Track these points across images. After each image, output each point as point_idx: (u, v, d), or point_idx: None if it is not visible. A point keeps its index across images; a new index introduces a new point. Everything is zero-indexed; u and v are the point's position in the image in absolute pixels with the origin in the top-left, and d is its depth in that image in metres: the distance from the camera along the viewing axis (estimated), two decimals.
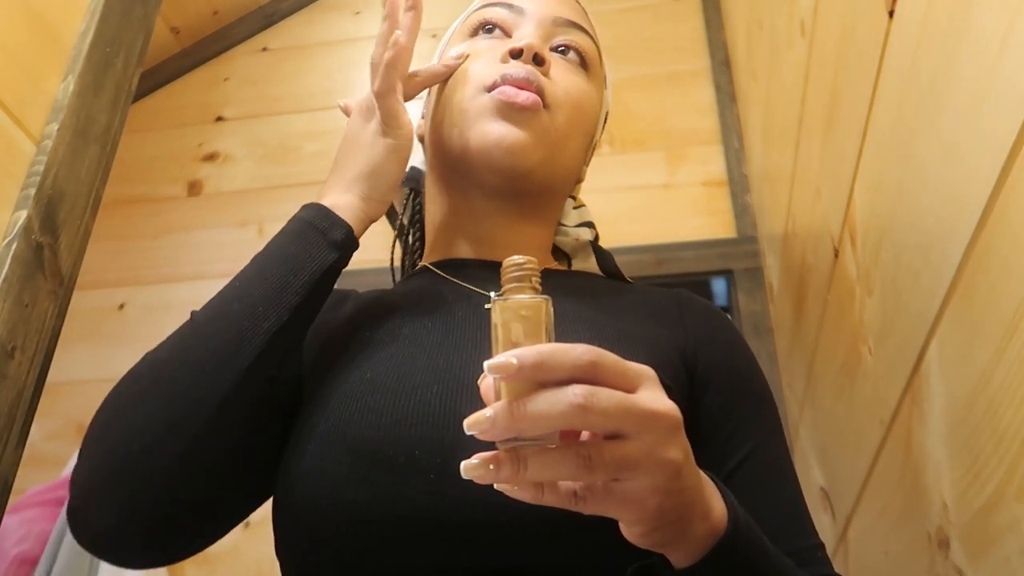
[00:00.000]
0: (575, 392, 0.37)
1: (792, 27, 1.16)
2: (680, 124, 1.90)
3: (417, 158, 0.85)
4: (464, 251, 0.73)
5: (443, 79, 0.73)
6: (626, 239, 1.70)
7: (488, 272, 0.69)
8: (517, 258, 0.42)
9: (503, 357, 0.37)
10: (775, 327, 1.58)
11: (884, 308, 0.80)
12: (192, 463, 0.55)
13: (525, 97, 0.66)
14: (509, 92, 0.66)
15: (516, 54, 0.69)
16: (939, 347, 0.67)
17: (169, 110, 2.19)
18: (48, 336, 0.72)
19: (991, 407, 0.58)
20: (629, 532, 0.43)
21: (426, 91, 0.81)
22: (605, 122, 0.84)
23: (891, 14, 0.73)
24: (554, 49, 0.74)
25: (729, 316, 1.69)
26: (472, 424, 0.38)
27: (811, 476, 1.21)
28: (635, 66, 1.95)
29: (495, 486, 0.40)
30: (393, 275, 0.85)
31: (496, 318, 0.40)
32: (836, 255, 0.98)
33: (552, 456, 0.38)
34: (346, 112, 0.74)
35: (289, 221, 0.64)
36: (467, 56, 0.72)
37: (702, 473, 0.46)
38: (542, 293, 0.41)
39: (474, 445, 0.39)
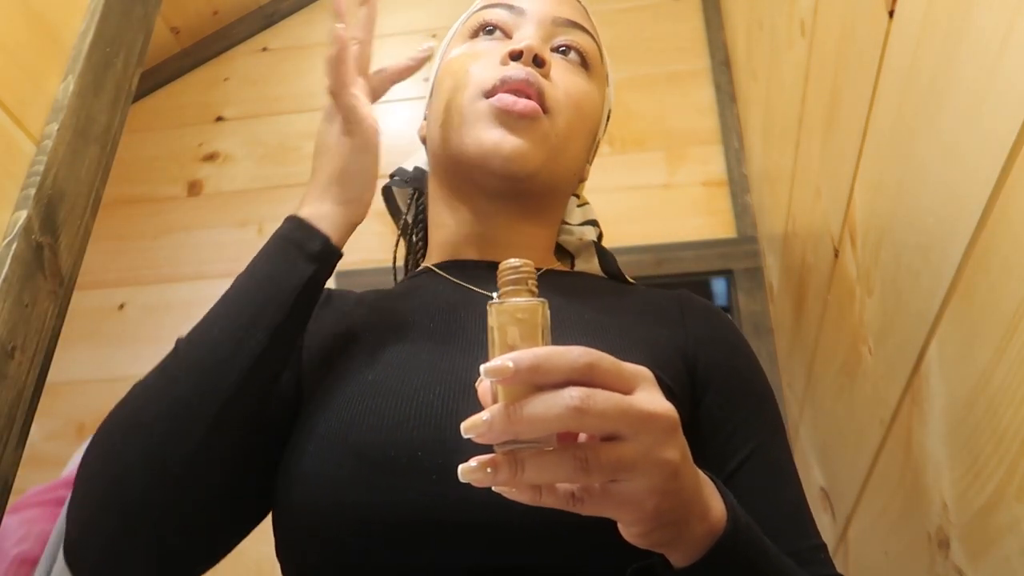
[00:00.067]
0: (571, 395, 0.37)
1: (792, 27, 1.16)
2: (680, 124, 1.90)
3: (420, 158, 0.85)
4: (466, 252, 0.73)
5: (411, 73, 0.72)
6: (626, 239, 1.70)
7: (491, 273, 0.69)
8: (513, 261, 0.42)
9: (499, 360, 0.37)
10: (775, 327, 1.58)
11: (884, 308, 0.80)
12: (183, 496, 0.55)
13: (524, 105, 0.66)
14: (507, 100, 0.66)
15: (516, 56, 0.69)
16: (939, 347, 0.67)
17: (169, 110, 2.19)
18: (48, 336, 0.72)
19: (991, 407, 0.58)
20: (627, 533, 0.43)
21: (428, 92, 0.81)
22: (608, 119, 0.84)
23: (891, 14, 0.73)
24: (555, 49, 0.74)
25: (729, 316, 1.69)
26: (469, 428, 0.38)
27: (811, 476, 1.21)
28: (635, 66, 1.95)
29: (493, 488, 0.40)
30: (395, 274, 0.85)
31: (492, 321, 0.40)
32: (836, 255, 0.98)
33: (549, 458, 0.38)
34: None
35: (270, 238, 0.64)
36: (433, 49, 0.73)
37: (701, 473, 0.46)
38: (539, 295, 0.41)
39: (476, 447, 0.39)
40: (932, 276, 0.66)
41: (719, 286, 2.17)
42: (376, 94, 0.70)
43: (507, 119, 0.66)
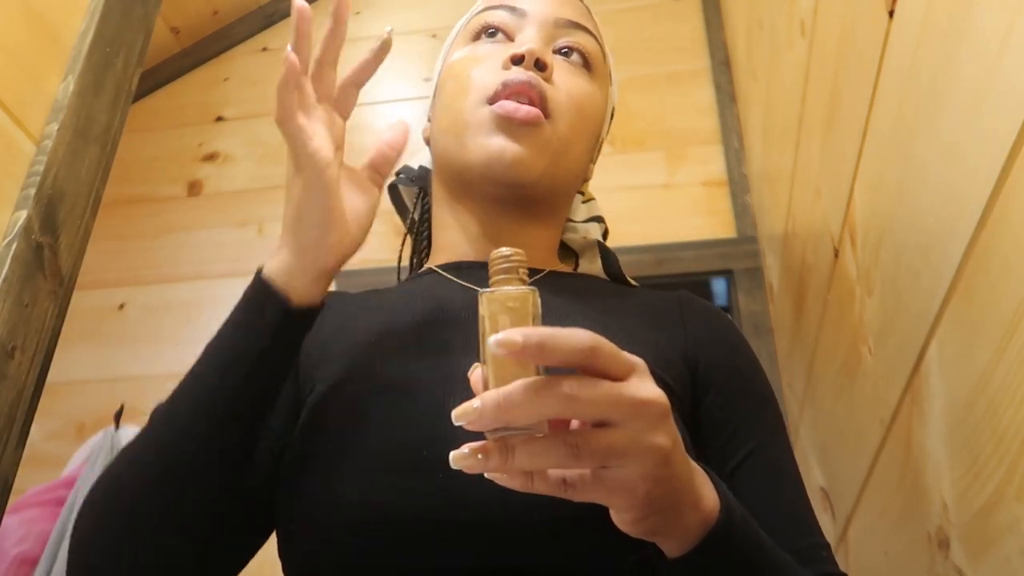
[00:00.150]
0: (561, 382, 0.37)
1: (792, 27, 1.16)
2: (680, 124, 1.90)
3: (426, 156, 0.85)
4: (469, 254, 0.73)
5: (372, 70, 0.62)
6: (626, 239, 1.70)
7: None
8: (504, 250, 0.42)
9: (510, 333, 0.37)
10: (775, 327, 1.58)
11: (884, 308, 0.80)
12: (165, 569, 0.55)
13: (526, 112, 0.66)
14: (509, 107, 0.66)
15: (517, 60, 0.69)
16: (939, 347, 0.67)
17: (169, 110, 2.19)
18: (48, 336, 0.72)
19: (991, 407, 0.58)
20: (619, 519, 0.43)
21: (429, 92, 0.81)
22: (612, 118, 0.84)
23: (891, 14, 0.73)
24: (557, 51, 0.74)
25: (729, 316, 1.69)
26: (460, 414, 0.38)
27: (811, 476, 1.21)
28: (635, 66, 1.95)
29: (485, 475, 0.40)
30: (399, 273, 0.85)
31: (483, 310, 0.41)
32: (836, 255, 0.98)
33: (540, 445, 0.38)
34: None
35: (242, 296, 0.59)
36: (392, 31, 0.63)
37: (694, 464, 0.46)
38: (529, 285, 0.41)
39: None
40: (932, 276, 0.66)
41: (719, 286, 2.17)
42: (345, 108, 0.62)
43: (509, 126, 0.66)
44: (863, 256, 0.86)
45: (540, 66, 0.69)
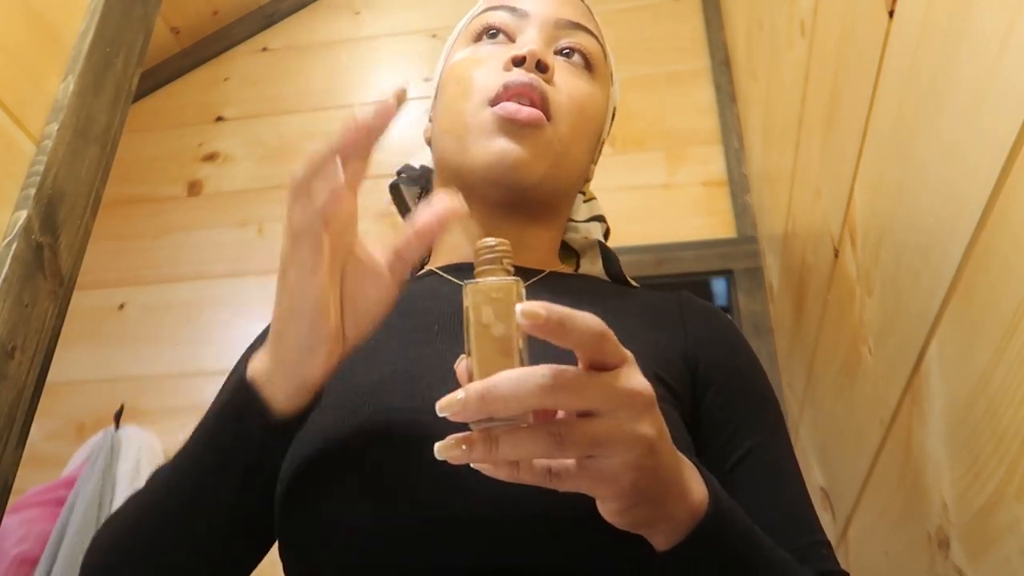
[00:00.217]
0: (544, 373, 0.37)
1: (792, 27, 1.16)
2: (680, 124, 1.90)
3: (427, 156, 0.85)
4: (470, 255, 0.73)
5: (384, 125, 0.50)
6: (626, 239, 1.70)
7: None
8: (489, 240, 0.42)
9: (533, 304, 0.37)
10: (775, 327, 1.58)
11: (884, 308, 0.80)
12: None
13: (527, 114, 0.66)
14: (511, 109, 0.66)
15: (519, 62, 0.69)
16: (939, 347, 0.67)
17: (169, 110, 2.19)
18: (48, 336, 0.72)
19: (991, 407, 0.58)
20: (605, 510, 0.43)
21: (430, 92, 0.81)
22: (613, 118, 0.84)
23: (891, 14, 0.73)
24: (559, 52, 0.74)
25: (729, 316, 1.69)
26: (444, 405, 0.38)
27: (811, 476, 1.21)
28: (635, 66, 1.95)
29: (471, 466, 0.40)
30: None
31: (467, 301, 0.40)
32: (836, 255, 0.98)
33: (524, 435, 0.38)
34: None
35: (223, 386, 0.55)
36: (406, 90, 0.52)
37: (682, 456, 0.46)
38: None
39: None
40: (932, 276, 0.66)
41: (719, 286, 2.17)
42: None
43: (511, 128, 0.66)
44: (863, 256, 0.86)
45: (541, 68, 0.69)
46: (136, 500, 0.58)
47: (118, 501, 1.57)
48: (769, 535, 0.52)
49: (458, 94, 0.71)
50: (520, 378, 0.37)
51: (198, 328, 1.89)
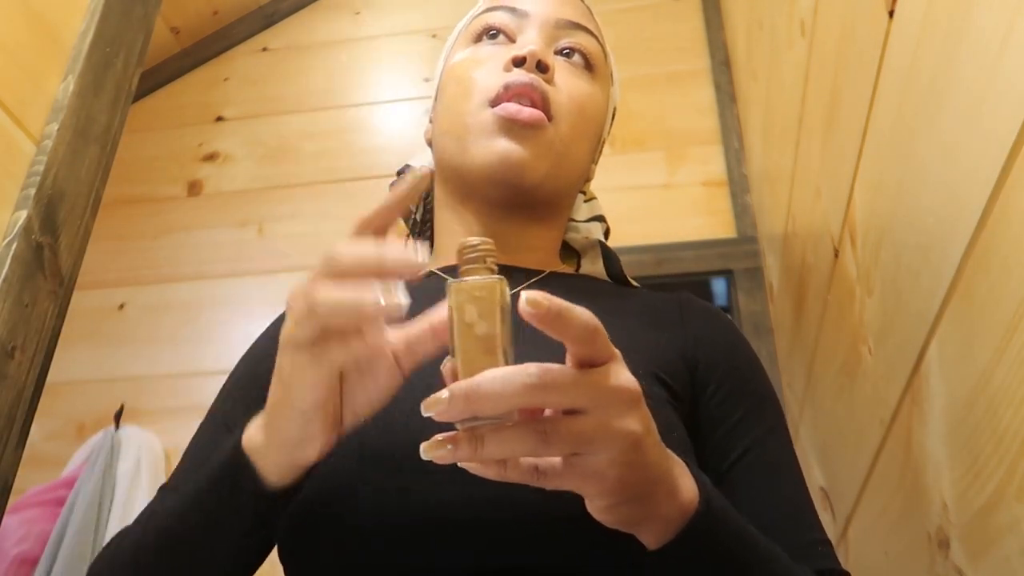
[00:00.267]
0: (529, 372, 0.37)
1: (792, 27, 1.16)
2: (680, 124, 1.90)
3: (427, 157, 0.85)
4: None
5: (405, 205, 0.48)
6: (626, 239, 1.70)
7: None
8: (472, 239, 0.42)
9: (536, 293, 0.37)
10: (775, 327, 1.58)
11: (884, 308, 0.80)
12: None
13: (528, 114, 0.66)
14: (511, 109, 0.66)
15: (519, 62, 0.69)
16: (939, 347, 0.67)
17: (169, 110, 2.19)
18: (48, 336, 0.72)
19: (991, 407, 0.58)
20: (593, 507, 0.43)
21: (430, 92, 0.81)
22: (613, 117, 0.84)
23: (891, 14, 0.73)
24: (559, 52, 0.74)
25: (729, 316, 1.69)
26: (429, 405, 0.38)
27: (811, 476, 1.21)
28: (635, 66, 1.95)
29: (459, 465, 0.40)
30: None
31: (451, 301, 0.40)
32: (836, 255, 0.98)
33: (509, 433, 0.38)
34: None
35: (215, 458, 0.52)
36: (429, 169, 0.51)
37: (671, 454, 0.45)
38: (497, 274, 0.41)
39: None
40: (932, 276, 0.66)
41: (719, 286, 2.17)
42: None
43: (512, 128, 0.67)
44: (863, 256, 0.86)
45: (542, 68, 0.69)
46: (130, 545, 0.56)
47: (118, 501, 1.57)
48: (768, 533, 0.51)
49: (458, 95, 0.71)
50: (505, 377, 0.37)
51: (198, 328, 1.89)
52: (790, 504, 0.62)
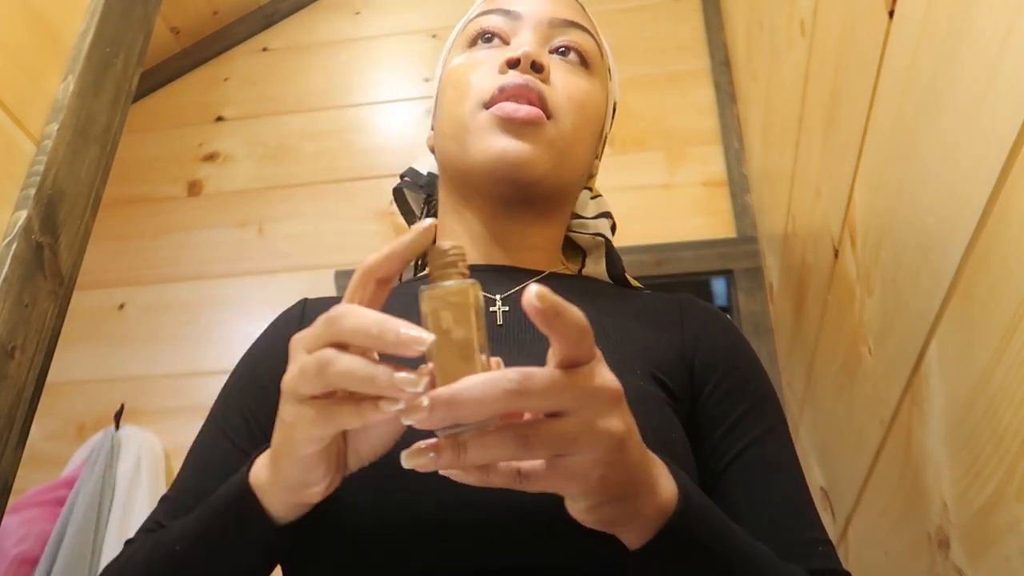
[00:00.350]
0: (509, 378, 0.37)
1: (792, 27, 1.16)
2: (680, 124, 1.90)
3: (432, 163, 0.85)
4: (473, 257, 0.73)
5: (407, 258, 0.43)
6: (626, 239, 1.69)
7: (495, 276, 0.70)
8: (443, 244, 0.41)
9: (544, 288, 0.37)
10: (775, 327, 1.58)
11: (884, 308, 0.80)
12: None
13: (526, 112, 0.66)
14: (508, 108, 0.67)
15: (513, 64, 0.69)
16: (939, 347, 0.67)
17: (169, 110, 2.19)
18: (48, 336, 0.72)
19: (991, 407, 0.58)
20: (574, 508, 0.43)
21: (431, 94, 0.81)
22: (614, 113, 0.84)
23: (891, 14, 0.73)
24: (554, 51, 0.74)
25: (729, 316, 1.69)
26: (408, 414, 0.37)
27: (811, 476, 1.21)
28: (635, 66, 1.95)
29: (440, 472, 0.39)
30: (401, 275, 0.85)
31: (425, 307, 0.40)
32: (836, 255, 0.98)
33: (490, 439, 0.38)
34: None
35: (222, 492, 0.52)
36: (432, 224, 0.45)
37: (651, 454, 0.45)
38: (471, 278, 0.41)
39: None
40: (932, 276, 0.66)
41: (719, 286, 2.17)
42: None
43: (510, 126, 0.67)
44: (863, 256, 0.86)
45: (537, 68, 0.69)
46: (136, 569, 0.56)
47: (118, 501, 1.57)
48: (767, 532, 0.51)
49: (455, 99, 0.72)
50: (485, 384, 0.37)
51: (198, 328, 1.89)
52: (789, 503, 0.62)
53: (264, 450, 0.50)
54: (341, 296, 0.76)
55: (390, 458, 0.54)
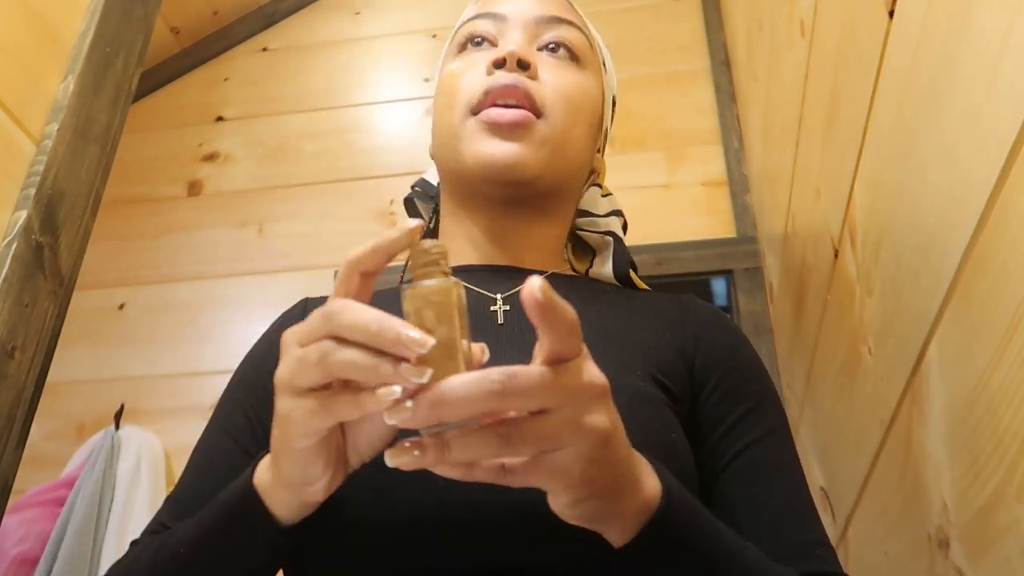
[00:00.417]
0: (492, 378, 0.37)
1: (792, 27, 1.16)
2: (680, 124, 1.90)
3: (431, 172, 0.86)
4: (474, 258, 0.73)
5: (388, 256, 0.43)
6: (626, 239, 1.70)
7: (496, 277, 0.70)
8: (426, 243, 0.41)
9: (545, 284, 0.37)
10: (775, 327, 1.58)
11: (884, 308, 0.80)
12: None
13: (512, 115, 0.67)
14: (493, 115, 0.67)
15: (499, 64, 0.70)
16: (939, 347, 0.67)
17: (169, 110, 2.19)
18: (48, 336, 0.72)
19: (991, 407, 0.58)
20: (556, 504, 0.43)
21: (431, 95, 0.81)
22: (614, 106, 0.84)
23: (891, 14, 0.73)
24: (543, 48, 0.75)
25: (729, 316, 1.69)
26: (392, 414, 0.38)
27: (811, 476, 1.21)
28: (635, 66, 1.95)
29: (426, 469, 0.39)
30: (402, 276, 0.85)
31: (407, 307, 0.40)
32: (836, 255, 0.98)
33: (474, 437, 0.38)
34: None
35: (227, 494, 0.52)
36: (420, 224, 0.45)
37: (635, 452, 0.45)
38: (453, 277, 0.41)
39: None
40: (932, 276, 0.66)
41: (719, 286, 2.17)
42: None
43: (499, 130, 0.68)
44: (863, 256, 0.86)
45: (523, 65, 0.70)
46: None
47: (118, 501, 1.57)
48: (765, 533, 0.51)
49: (445, 106, 0.73)
50: (469, 384, 0.37)
51: (198, 328, 1.89)
52: (789, 505, 0.62)
53: (268, 452, 0.50)
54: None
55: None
